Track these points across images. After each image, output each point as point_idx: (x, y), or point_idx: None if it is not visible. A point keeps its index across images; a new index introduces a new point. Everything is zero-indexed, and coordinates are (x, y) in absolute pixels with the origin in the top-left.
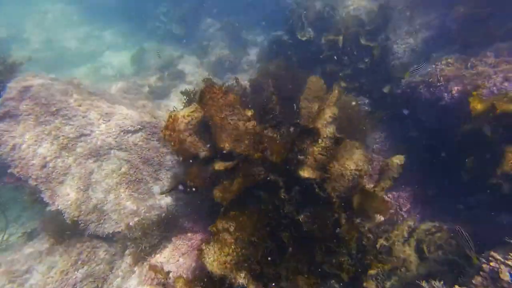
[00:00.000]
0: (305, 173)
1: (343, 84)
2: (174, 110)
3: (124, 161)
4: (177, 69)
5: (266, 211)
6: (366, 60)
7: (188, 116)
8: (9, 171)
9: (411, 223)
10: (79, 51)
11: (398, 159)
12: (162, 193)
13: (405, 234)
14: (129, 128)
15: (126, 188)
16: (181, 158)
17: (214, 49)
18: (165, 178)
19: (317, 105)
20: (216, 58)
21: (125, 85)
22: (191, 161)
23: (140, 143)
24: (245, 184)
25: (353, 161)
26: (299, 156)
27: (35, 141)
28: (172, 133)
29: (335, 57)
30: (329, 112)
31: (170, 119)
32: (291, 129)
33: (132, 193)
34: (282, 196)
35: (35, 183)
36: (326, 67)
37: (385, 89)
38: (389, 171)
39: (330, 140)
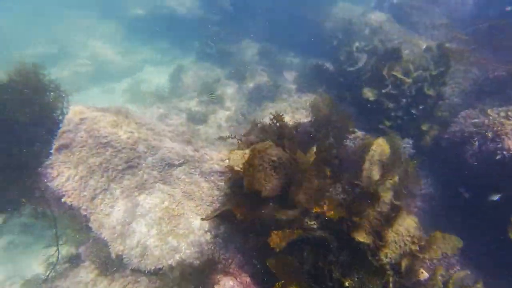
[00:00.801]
0: (360, 236)
1: (387, 123)
2: (252, 144)
3: (167, 195)
4: (216, 94)
5: (312, 273)
6: (421, 107)
7: (262, 151)
8: (62, 200)
9: (443, 272)
10: (120, 66)
11: (456, 241)
12: (203, 219)
13: (441, 285)
14: (174, 162)
15: (168, 223)
16: (245, 191)
17: (253, 74)
18: (205, 214)
19: (378, 169)
20: (254, 84)
21: (166, 110)
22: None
23: (183, 177)
24: (300, 236)
25: (405, 227)
26: (354, 218)
27: (87, 172)
28: (249, 167)
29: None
30: (391, 180)
31: (252, 153)
32: (350, 188)
33: (174, 228)
34: (331, 258)
35: (85, 213)
36: (384, 103)
37: (424, 127)
38: (442, 246)
39: (387, 206)
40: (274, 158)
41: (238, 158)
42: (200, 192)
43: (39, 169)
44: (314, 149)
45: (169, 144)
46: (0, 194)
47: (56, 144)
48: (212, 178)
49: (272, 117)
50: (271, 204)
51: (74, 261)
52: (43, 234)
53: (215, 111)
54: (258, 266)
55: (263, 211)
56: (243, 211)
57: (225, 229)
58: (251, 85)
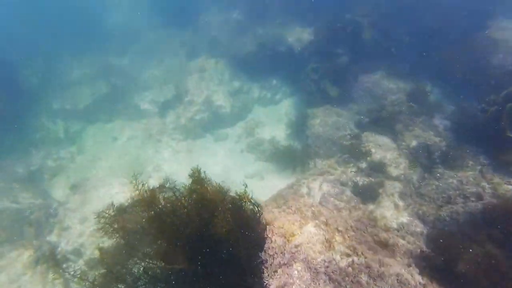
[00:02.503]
0: None
1: None
2: None
3: None
4: (376, 158)
5: None
6: None
7: None
8: None
9: None
10: (231, 109)
11: None
12: None
13: None
14: None
15: None
16: None
17: (408, 127)
18: None
19: None
20: (418, 143)
21: (330, 188)
22: None
23: None
24: None
25: None
26: None
27: None
28: None
29: None
30: None
31: None
32: None
33: None
34: None
35: None
36: None
37: None
38: None
39: None
40: None
41: None
42: None
43: None
44: None
45: (394, 269)
46: None
47: (273, 285)
48: None
49: None
50: None
51: None
52: None
53: (381, 183)
54: None
55: None
56: None
57: None
58: (413, 143)
